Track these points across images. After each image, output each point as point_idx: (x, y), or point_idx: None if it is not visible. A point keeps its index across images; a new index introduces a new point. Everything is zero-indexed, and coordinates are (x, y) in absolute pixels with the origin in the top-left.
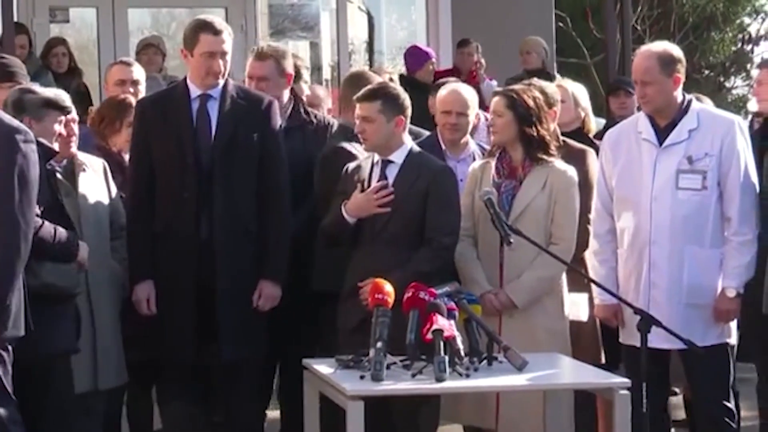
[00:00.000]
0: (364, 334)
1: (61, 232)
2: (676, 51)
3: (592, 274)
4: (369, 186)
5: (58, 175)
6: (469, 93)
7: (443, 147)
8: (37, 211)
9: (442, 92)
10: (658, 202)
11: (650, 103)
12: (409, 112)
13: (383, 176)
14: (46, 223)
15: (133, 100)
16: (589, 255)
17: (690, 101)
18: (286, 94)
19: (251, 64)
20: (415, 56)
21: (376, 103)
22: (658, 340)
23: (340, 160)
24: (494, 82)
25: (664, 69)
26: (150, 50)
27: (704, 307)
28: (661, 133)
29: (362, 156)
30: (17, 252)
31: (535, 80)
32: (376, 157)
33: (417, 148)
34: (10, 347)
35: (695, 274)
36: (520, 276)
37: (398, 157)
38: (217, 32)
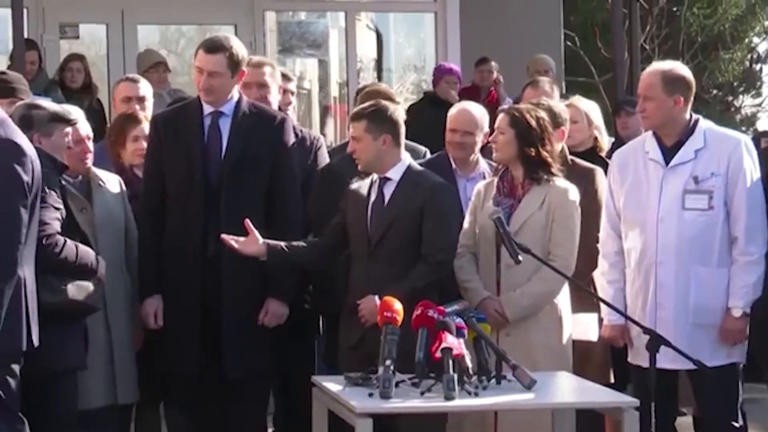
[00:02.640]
0: (364, 351)
1: (83, 249)
2: (684, 71)
3: (600, 295)
4: (368, 204)
5: (73, 190)
6: (478, 112)
7: (453, 165)
8: (57, 228)
9: (452, 110)
10: (664, 222)
11: (648, 119)
12: (399, 129)
13: (381, 193)
14: (68, 241)
15: (141, 115)
16: (597, 275)
17: (697, 121)
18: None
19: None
20: (436, 72)
21: (362, 122)
22: (665, 360)
23: (334, 179)
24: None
25: (666, 87)
26: (160, 68)
27: (711, 328)
28: (668, 153)
29: None
30: (4, 265)
31: (544, 99)
32: (375, 176)
33: (416, 165)
34: (16, 366)
35: (702, 294)
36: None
37: (395, 174)
38: (209, 51)
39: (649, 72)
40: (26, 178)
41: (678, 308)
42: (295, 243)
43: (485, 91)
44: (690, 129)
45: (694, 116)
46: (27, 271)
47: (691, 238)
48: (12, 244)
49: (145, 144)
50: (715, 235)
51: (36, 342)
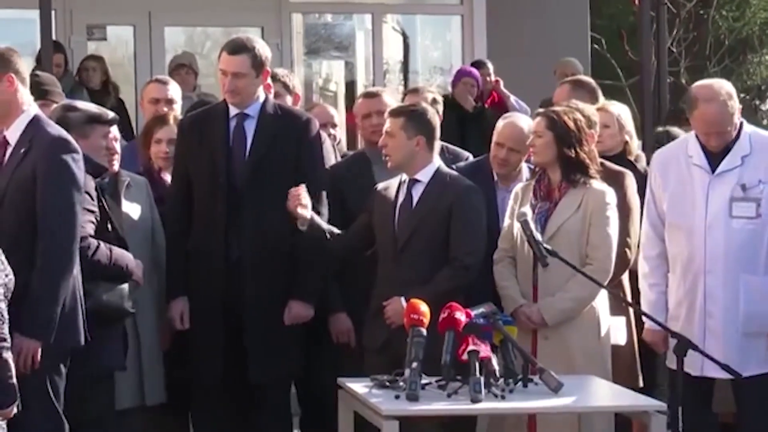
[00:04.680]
0: (389, 354)
1: (117, 252)
2: (728, 84)
3: (642, 298)
4: (395, 205)
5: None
6: (527, 127)
7: (495, 176)
8: (90, 231)
9: (500, 123)
10: (712, 230)
11: (724, 138)
12: (434, 134)
13: (409, 195)
14: (102, 244)
15: (170, 117)
16: (639, 278)
17: (741, 124)
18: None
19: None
20: (455, 74)
21: (399, 119)
22: (709, 368)
23: (334, 181)
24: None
25: (732, 107)
26: (182, 70)
27: (761, 336)
28: (713, 159)
29: None
30: (63, 261)
31: (574, 102)
32: (404, 177)
33: (445, 168)
34: (63, 366)
35: (751, 302)
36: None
37: (424, 176)
38: (232, 52)
39: (716, 106)
40: (80, 175)
41: (727, 317)
42: (335, 230)
43: (486, 94)
44: (736, 134)
45: (739, 119)
46: (76, 270)
47: (739, 246)
48: (71, 239)
49: (168, 148)
50: (762, 242)
51: (89, 338)
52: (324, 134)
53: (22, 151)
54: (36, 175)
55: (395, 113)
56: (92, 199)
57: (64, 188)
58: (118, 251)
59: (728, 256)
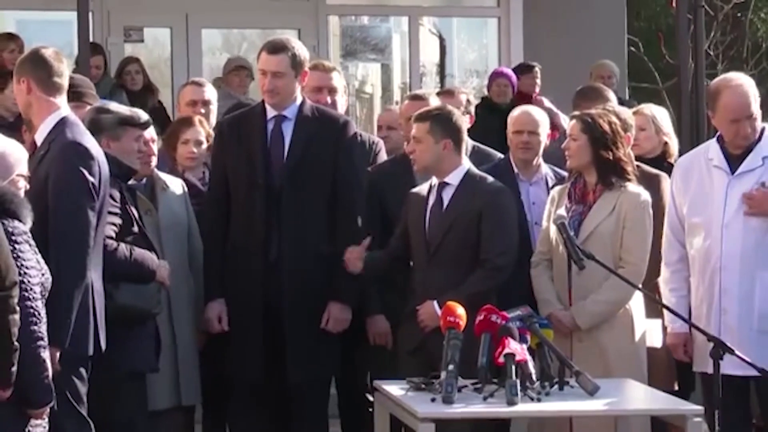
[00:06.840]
0: (424, 356)
1: (138, 253)
2: (744, 75)
3: (663, 302)
4: (426, 208)
5: (138, 193)
6: (539, 114)
7: (515, 170)
8: (111, 233)
9: (514, 113)
10: (729, 228)
11: (753, 126)
12: (461, 136)
13: (439, 198)
14: (121, 245)
15: (195, 118)
16: (660, 283)
17: (764, 128)
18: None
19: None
20: (490, 76)
21: (425, 124)
22: (731, 366)
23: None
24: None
25: (754, 95)
26: (243, 72)
27: None
28: (734, 161)
29: None
30: (75, 267)
31: (610, 105)
32: (435, 180)
33: (475, 170)
34: (83, 369)
35: (766, 300)
36: (587, 298)
37: (454, 178)
38: (272, 52)
39: (742, 93)
40: (93, 180)
41: (742, 314)
42: (369, 256)
43: (528, 97)
44: (758, 137)
45: (762, 124)
46: (94, 275)
47: (756, 243)
48: (81, 248)
49: (195, 149)
50: None
51: (104, 346)
52: (380, 140)
53: (41, 153)
54: (48, 181)
55: (420, 118)
56: (115, 201)
57: (74, 196)
58: (139, 252)
59: (744, 253)
